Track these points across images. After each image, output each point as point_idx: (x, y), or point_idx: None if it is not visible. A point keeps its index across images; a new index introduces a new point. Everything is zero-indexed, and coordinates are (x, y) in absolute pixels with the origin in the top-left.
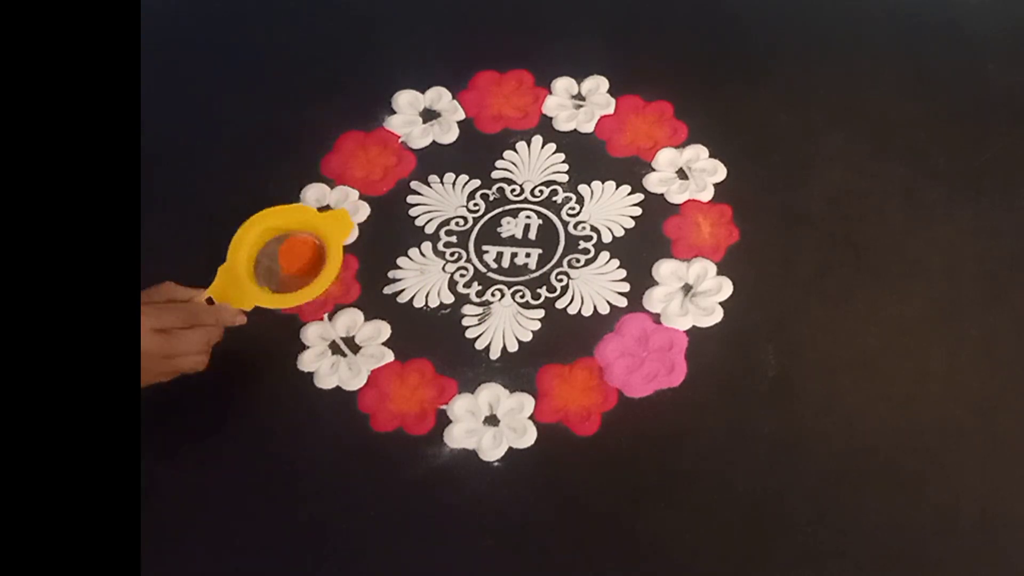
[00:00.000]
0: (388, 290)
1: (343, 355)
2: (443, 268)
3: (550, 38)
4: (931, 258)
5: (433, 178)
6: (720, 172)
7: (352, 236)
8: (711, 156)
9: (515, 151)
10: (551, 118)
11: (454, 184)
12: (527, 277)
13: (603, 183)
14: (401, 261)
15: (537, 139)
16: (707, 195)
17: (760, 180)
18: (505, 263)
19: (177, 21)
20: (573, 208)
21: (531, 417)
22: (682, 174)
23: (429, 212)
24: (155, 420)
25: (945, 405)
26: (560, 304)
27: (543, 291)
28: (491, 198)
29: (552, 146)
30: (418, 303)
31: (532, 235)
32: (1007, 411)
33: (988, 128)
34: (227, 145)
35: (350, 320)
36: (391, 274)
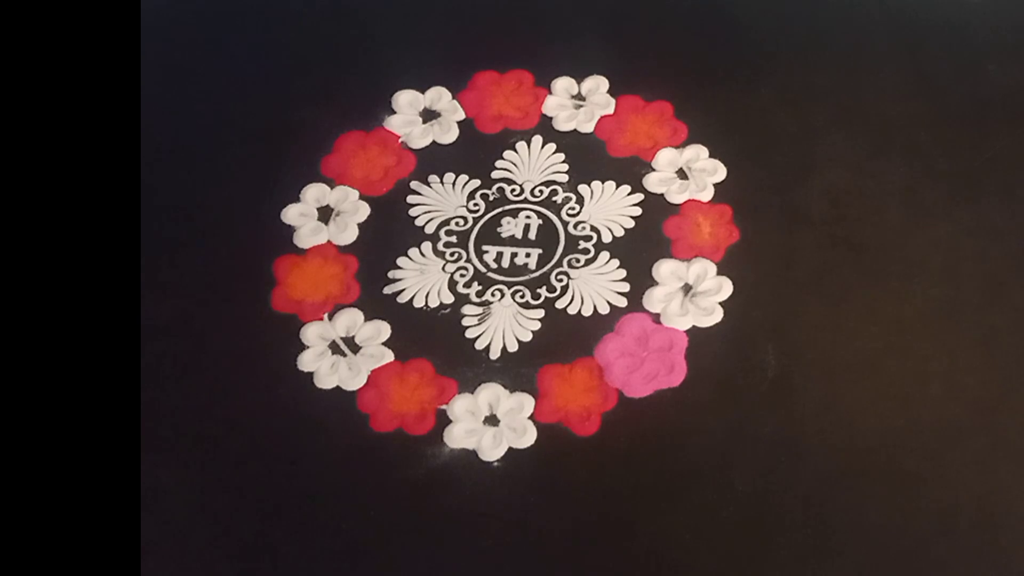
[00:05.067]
0: (388, 290)
1: (343, 355)
2: (443, 268)
3: (550, 38)
4: (931, 258)
5: (433, 178)
6: (720, 172)
7: (352, 236)
8: (711, 156)
9: (515, 151)
10: (551, 118)
11: (454, 184)
12: (527, 277)
13: (603, 183)
14: (401, 261)
15: (537, 139)
16: (707, 195)
17: (760, 180)
18: (505, 263)
19: (177, 21)
20: (573, 208)
21: (531, 417)
22: (682, 174)
23: (429, 212)
24: (155, 420)
25: (945, 405)
26: (560, 304)
27: (543, 291)
28: (491, 198)
29: (552, 146)
30: (418, 303)
31: (532, 235)
32: (1007, 411)
33: (988, 128)
34: (227, 145)
35: (350, 320)
36: (391, 274)
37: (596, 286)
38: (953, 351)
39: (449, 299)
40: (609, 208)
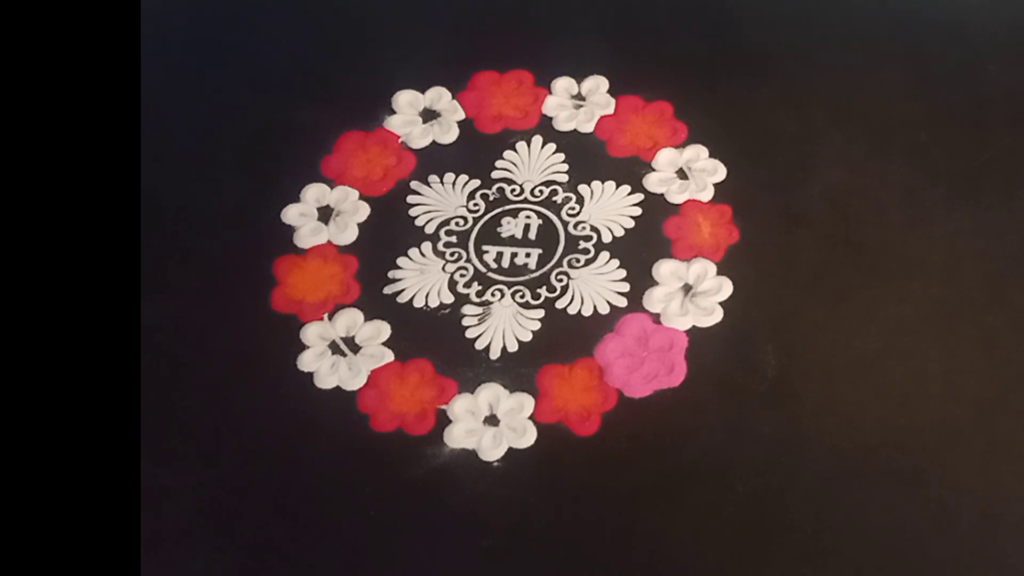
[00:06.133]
0: (388, 290)
1: (343, 355)
2: (443, 268)
3: (550, 38)
4: (931, 258)
5: (433, 178)
6: (720, 172)
7: (352, 236)
8: (711, 156)
9: (515, 151)
10: (551, 118)
11: (454, 184)
12: (527, 277)
13: (603, 183)
14: (401, 261)
15: (537, 139)
16: (707, 195)
17: (760, 180)
18: (505, 263)
19: (177, 21)
20: (573, 208)
21: (531, 417)
22: (682, 174)
23: (429, 212)
24: (155, 420)
25: (944, 405)
26: (560, 304)
27: (543, 291)
28: (491, 198)
29: (552, 146)
30: (418, 303)
31: (532, 235)
32: (1007, 411)
33: (988, 128)
34: (227, 145)
35: (350, 320)
36: (391, 274)
37: (596, 286)
38: (953, 351)
39: (449, 299)
40: (609, 208)
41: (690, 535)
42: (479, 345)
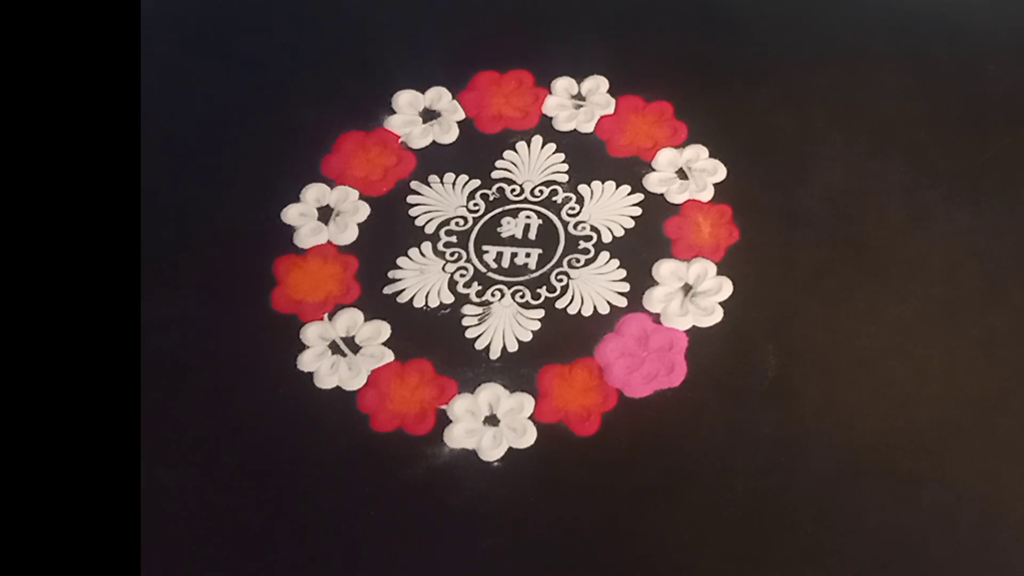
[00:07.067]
0: (388, 290)
1: (343, 355)
2: (443, 268)
3: (550, 38)
4: (931, 258)
5: (433, 178)
6: (720, 172)
7: (352, 236)
8: (711, 156)
9: (515, 151)
10: (551, 118)
11: (454, 184)
12: (527, 277)
13: (603, 183)
14: (401, 261)
15: (537, 139)
16: (707, 195)
17: (760, 180)
18: (505, 263)
19: (177, 21)
20: (573, 208)
21: (531, 417)
22: (682, 174)
23: (429, 212)
24: (155, 420)
25: (944, 405)
26: (560, 304)
27: (543, 291)
28: (491, 198)
29: (552, 146)
30: (418, 303)
31: (532, 235)
32: (1007, 411)
33: (988, 128)
34: (227, 145)
35: (350, 320)
36: (391, 274)
37: (596, 286)
38: (953, 351)
39: (449, 299)
40: (609, 208)
41: (690, 535)
42: (479, 345)
